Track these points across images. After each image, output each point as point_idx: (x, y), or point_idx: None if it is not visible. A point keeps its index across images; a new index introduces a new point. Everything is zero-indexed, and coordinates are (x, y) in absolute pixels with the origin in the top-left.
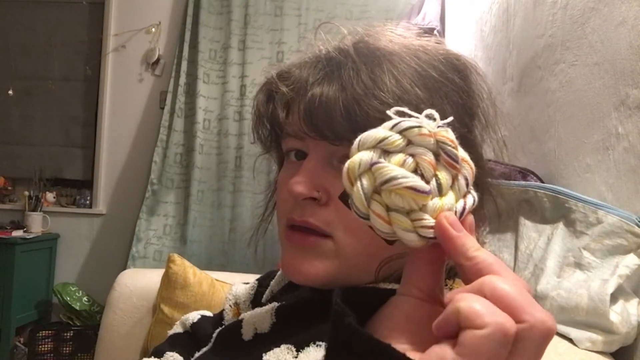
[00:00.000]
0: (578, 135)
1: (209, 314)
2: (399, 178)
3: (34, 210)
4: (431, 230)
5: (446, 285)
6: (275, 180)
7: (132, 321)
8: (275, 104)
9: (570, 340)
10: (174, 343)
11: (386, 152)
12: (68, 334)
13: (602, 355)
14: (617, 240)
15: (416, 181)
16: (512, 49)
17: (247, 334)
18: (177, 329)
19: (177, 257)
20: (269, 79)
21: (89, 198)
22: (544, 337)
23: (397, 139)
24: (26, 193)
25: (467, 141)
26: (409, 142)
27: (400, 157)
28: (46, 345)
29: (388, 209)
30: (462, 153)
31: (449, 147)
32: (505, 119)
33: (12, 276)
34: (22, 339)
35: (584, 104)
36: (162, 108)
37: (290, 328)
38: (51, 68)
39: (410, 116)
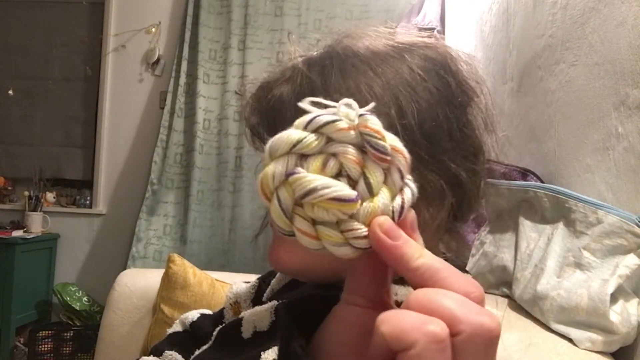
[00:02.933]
0: (578, 135)
1: (208, 312)
2: (319, 189)
3: (34, 210)
4: (365, 241)
5: None
6: None
7: (132, 321)
8: (251, 114)
9: (570, 340)
10: (173, 342)
11: (303, 156)
12: (68, 334)
13: (602, 355)
14: (617, 240)
15: (340, 189)
16: (512, 49)
17: (246, 332)
18: (177, 327)
19: (177, 257)
20: (239, 93)
21: (89, 198)
22: (487, 342)
23: (312, 140)
24: (26, 193)
25: (435, 134)
26: (329, 140)
27: (319, 160)
28: (46, 345)
29: (314, 222)
30: (391, 141)
31: (375, 139)
32: (499, 112)
33: (12, 276)
34: (22, 339)
35: (584, 104)
36: (162, 108)
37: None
38: (51, 68)
39: (326, 106)
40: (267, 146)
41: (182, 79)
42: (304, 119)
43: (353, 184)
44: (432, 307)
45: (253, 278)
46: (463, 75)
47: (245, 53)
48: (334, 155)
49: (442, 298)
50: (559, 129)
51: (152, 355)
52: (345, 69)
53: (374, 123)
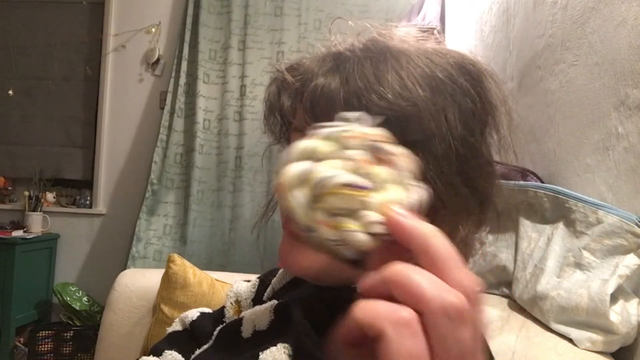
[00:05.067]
0: (578, 135)
1: (208, 310)
2: (332, 177)
3: (34, 210)
4: (381, 226)
5: None
6: None
7: (132, 321)
8: (283, 94)
9: (570, 340)
10: (172, 341)
11: (318, 160)
12: (68, 334)
13: (602, 355)
14: (617, 240)
15: (351, 177)
16: (512, 49)
17: (246, 331)
18: (176, 326)
19: (177, 257)
20: (279, 70)
21: (89, 198)
22: (454, 319)
23: (326, 145)
24: (26, 193)
25: (468, 145)
26: (341, 147)
27: (332, 161)
28: (46, 345)
29: (331, 214)
30: (397, 149)
31: (381, 143)
32: (518, 130)
33: (12, 276)
34: (22, 339)
35: (584, 104)
36: (162, 108)
37: (290, 327)
38: (51, 68)
39: (346, 120)
40: (285, 153)
41: (182, 79)
42: (320, 130)
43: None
44: (403, 281)
45: (252, 278)
46: (491, 95)
47: (245, 53)
48: (347, 159)
49: (413, 274)
50: (559, 129)
51: (151, 355)
52: (401, 64)
53: (380, 131)
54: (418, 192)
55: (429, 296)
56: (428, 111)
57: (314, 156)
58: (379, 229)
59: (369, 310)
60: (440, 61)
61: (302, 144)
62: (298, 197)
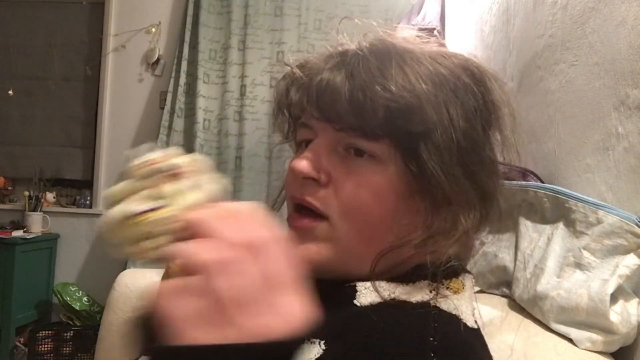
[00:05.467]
0: (578, 135)
1: None
2: (112, 216)
3: (34, 210)
4: (171, 235)
5: (442, 284)
6: None
7: None
8: (292, 89)
9: (570, 340)
10: None
11: (120, 201)
12: (68, 334)
13: (602, 355)
14: (617, 241)
15: (126, 209)
16: (512, 49)
17: None
18: None
19: None
20: (288, 65)
21: (89, 198)
22: (215, 271)
23: (123, 184)
24: (26, 193)
25: (471, 139)
26: (136, 179)
27: (130, 198)
28: (46, 345)
29: (144, 240)
30: (179, 160)
31: (160, 164)
32: (520, 130)
33: (12, 276)
34: (22, 339)
35: (584, 104)
36: (162, 108)
37: None
38: (51, 68)
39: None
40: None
41: (182, 79)
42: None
43: (157, 200)
44: (178, 253)
45: None
46: (494, 96)
47: (245, 53)
48: (142, 188)
49: (180, 245)
50: (559, 129)
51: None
52: (405, 60)
53: (157, 154)
54: (210, 188)
55: (188, 256)
56: (430, 103)
57: (116, 199)
58: (171, 238)
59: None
60: (444, 61)
61: (106, 193)
62: (117, 241)
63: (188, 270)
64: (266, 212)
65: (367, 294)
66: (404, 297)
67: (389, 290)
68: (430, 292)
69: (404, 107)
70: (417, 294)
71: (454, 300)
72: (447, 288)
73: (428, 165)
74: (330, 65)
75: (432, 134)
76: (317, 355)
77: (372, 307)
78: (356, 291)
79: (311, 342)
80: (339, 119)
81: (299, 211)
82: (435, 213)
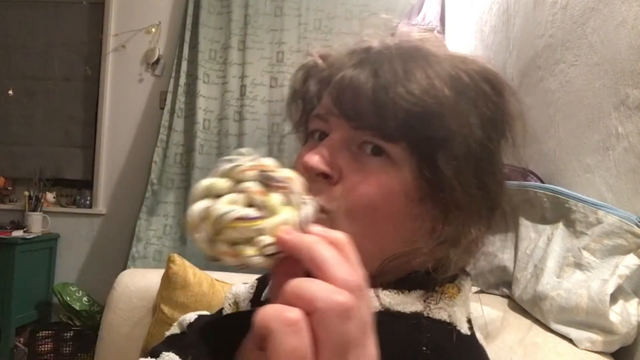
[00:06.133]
0: (578, 135)
1: (206, 313)
2: (227, 213)
3: (34, 210)
4: (272, 247)
5: (436, 290)
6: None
7: (132, 321)
8: (311, 80)
9: (570, 340)
10: (170, 344)
11: (217, 197)
12: (68, 334)
13: (602, 355)
14: (616, 241)
15: (242, 211)
16: (512, 49)
17: None
18: (174, 330)
19: (177, 257)
20: (310, 55)
21: (89, 198)
22: (341, 315)
23: (221, 182)
24: (26, 193)
25: (486, 150)
26: (236, 181)
27: (229, 197)
28: (46, 346)
29: (231, 244)
30: (286, 173)
31: (270, 173)
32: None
33: (12, 276)
34: (22, 339)
35: (584, 104)
36: (162, 108)
37: None
38: (51, 68)
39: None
40: (191, 191)
41: (182, 79)
42: (219, 168)
43: (259, 209)
44: (297, 292)
45: (252, 278)
46: (511, 108)
47: (245, 53)
48: (242, 191)
49: (303, 282)
50: (559, 129)
51: (149, 357)
52: (429, 63)
53: (270, 161)
54: (307, 209)
55: (316, 297)
56: (451, 110)
57: (213, 193)
58: (271, 250)
59: (262, 313)
60: (465, 67)
61: (202, 184)
62: (202, 234)
63: (297, 304)
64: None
65: None
66: (398, 308)
67: (383, 299)
68: (425, 301)
69: (425, 112)
70: (411, 304)
71: (447, 308)
72: (442, 293)
73: (444, 173)
74: (353, 61)
75: (451, 142)
76: None
77: None
78: None
79: None
80: (359, 117)
81: None
82: (446, 221)
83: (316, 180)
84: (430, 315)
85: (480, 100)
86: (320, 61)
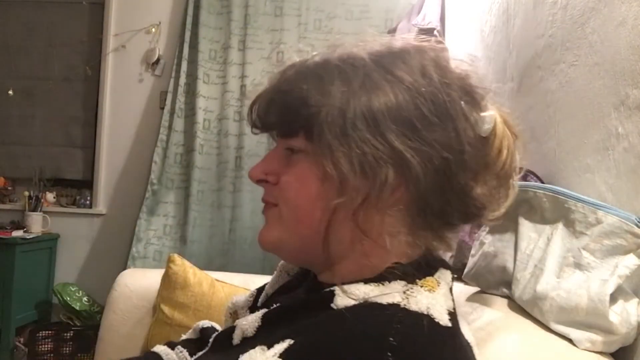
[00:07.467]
0: (578, 135)
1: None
2: None
3: (34, 210)
4: None
5: (416, 284)
6: None
7: (132, 321)
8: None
9: (570, 340)
10: (185, 344)
11: None
12: (68, 334)
13: (602, 355)
14: (616, 241)
15: None
16: (512, 49)
17: (236, 338)
18: (190, 335)
19: (177, 257)
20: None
21: (89, 198)
22: None
23: None
24: (26, 193)
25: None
26: None
27: None
28: (46, 345)
29: None
30: None
31: None
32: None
33: (12, 276)
34: (22, 339)
35: (584, 104)
36: (162, 108)
37: (272, 331)
38: (51, 68)
39: None
40: None
41: (182, 79)
42: None
43: None
44: None
45: (252, 278)
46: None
47: (245, 53)
48: None
49: None
50: (559, 129)
51: (165, 346)
52: (306, 62)
53: None
54: None
55: None
56: (314, 90)
57: None
58: None
59: None
60: (335, 56)
61: None
62: None
63: None
64: None
65: (343, 297)
66: (376, 299)
67: (364, 292)
68: (405, 292)
69: (295, 98)
70: (389, 295)
71: (425, 300)
72: (422, 287)
73: (326, 139)
74: (268, 83)
75: (320, 115)
76: (281, 350)
77: (347, 309)
78: (334, 295)
79: (282, 341)
80: (267, 126)
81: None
82: (351, 186)
83: (264, 185)
84: (407, 307)
85: (342, 76)
86: (249, 99)
